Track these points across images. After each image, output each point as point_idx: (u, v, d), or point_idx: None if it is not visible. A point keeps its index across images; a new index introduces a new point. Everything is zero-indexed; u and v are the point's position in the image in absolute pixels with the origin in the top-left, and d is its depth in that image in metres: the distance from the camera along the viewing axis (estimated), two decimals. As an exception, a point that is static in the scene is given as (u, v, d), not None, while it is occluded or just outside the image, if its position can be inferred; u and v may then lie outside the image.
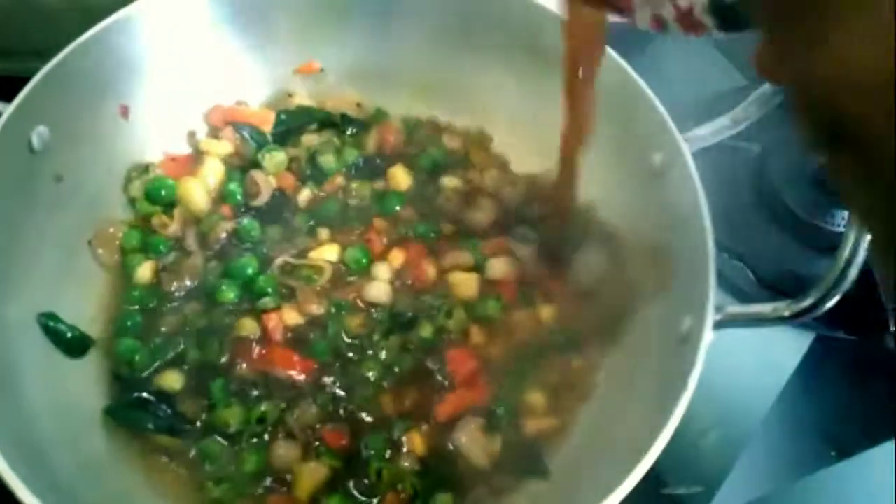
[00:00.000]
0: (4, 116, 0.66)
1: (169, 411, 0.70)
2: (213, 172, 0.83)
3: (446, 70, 0.88)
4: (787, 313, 0.61)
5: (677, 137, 0.70)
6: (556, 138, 0.74)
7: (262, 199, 0.82)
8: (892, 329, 0.83)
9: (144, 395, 0.71)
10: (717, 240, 0.83)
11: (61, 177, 0.74)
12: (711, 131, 0.70)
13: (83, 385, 0.71)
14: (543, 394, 0.74)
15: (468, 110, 0.90)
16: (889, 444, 0.81)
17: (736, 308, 0.64)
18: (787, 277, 0.83)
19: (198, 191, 0.81)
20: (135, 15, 0.75)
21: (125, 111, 0.79)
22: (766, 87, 0.67)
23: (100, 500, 0.63)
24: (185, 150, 0.85)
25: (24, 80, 0.70)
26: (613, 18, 0.55)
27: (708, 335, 0.61)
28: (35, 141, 0.70)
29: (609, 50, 0.75)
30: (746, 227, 0.91)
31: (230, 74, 0.86)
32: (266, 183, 0.82)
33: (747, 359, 0.86)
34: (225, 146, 0.85)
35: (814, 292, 0.59)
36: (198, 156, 0.84)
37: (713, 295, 0.62)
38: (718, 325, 0.62)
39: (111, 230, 0.79)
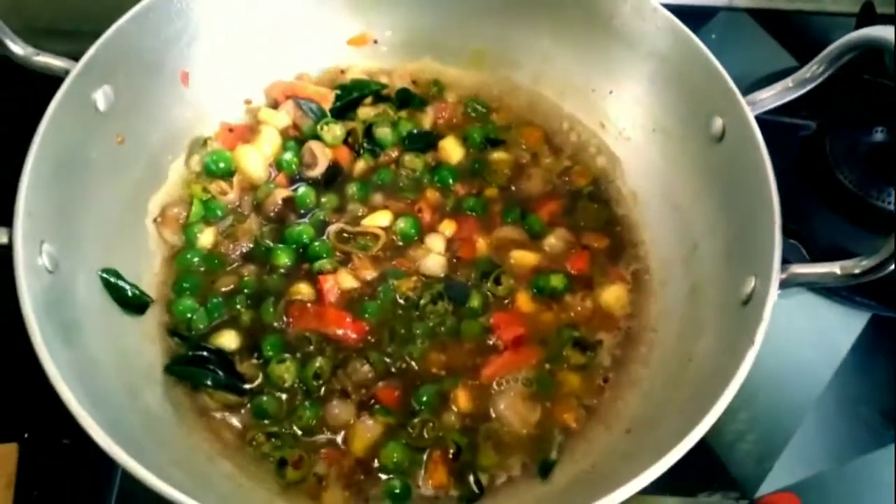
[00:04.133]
0: (73, 74, 0.67)
1: (226, 369, 0.70)
2: (269, 142, 0.83)
3: (498, 38, 0.88)
4: (857, 271, 0.59)
5: (741, 101, 0.68)
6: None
7: (319, 170, 0.82)
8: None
9: (202, 353, 0.71)
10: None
11: (123, 138, 0.75)
12: (773, 94, 0.68)
13: (142, 342, 0.72)
14: (581, 376, 0.73)
15: (522, 76, 0.90)
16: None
17: (802, 267, 0.61)
18: (839, 255, 0.82)
19: (255, 158, 0.82)
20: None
21: (185, 78, 0.81)
22: (831, 49, 0.65)
23: (158, 449, 0.63)
24: (241, 119, 0.86)
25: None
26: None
27: (774, 293, 0.60)
28: (100, 101, 0.71)
29: (676, 20, 0.75)
30: (800, 203, 0.90)
31: (286, 46, 0.87)
32: (323, 154, 0.83)
33: (802, 338, 0.85)
34: (283, 118, 0.85)
35: (883, 251, 0.57)
36: (255, 125, 0.85)
37: (779, 252, 0.61)
38: (784, 284, 0.61)
39: (175, 210, 0.79)
